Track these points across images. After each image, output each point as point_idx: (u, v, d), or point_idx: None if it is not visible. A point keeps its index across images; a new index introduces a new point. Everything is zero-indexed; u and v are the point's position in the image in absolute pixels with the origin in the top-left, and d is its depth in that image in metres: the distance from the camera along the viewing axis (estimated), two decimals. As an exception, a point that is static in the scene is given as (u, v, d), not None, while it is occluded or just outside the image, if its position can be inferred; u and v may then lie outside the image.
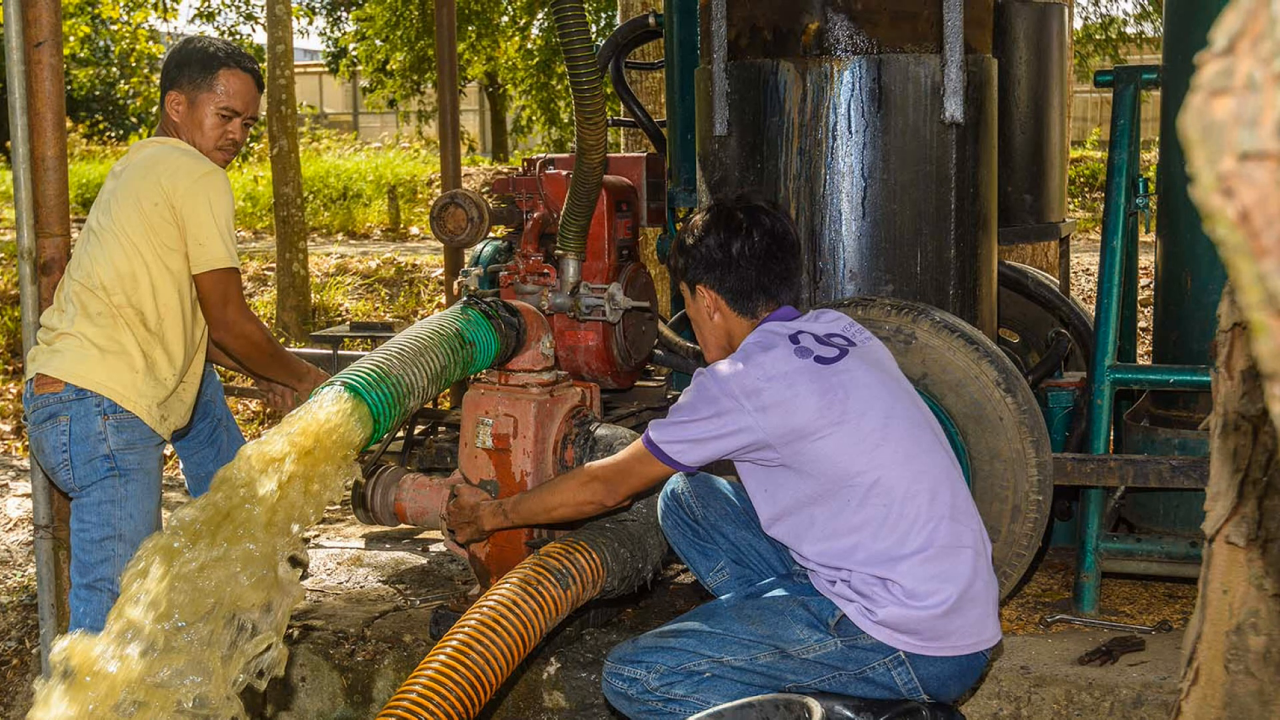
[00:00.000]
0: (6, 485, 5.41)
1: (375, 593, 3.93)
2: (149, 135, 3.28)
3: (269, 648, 2.23)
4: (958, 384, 3.17)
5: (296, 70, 10.96)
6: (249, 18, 17.65)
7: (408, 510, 3.44)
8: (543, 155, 4.17)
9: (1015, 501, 3.18)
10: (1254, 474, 1.57)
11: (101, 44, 21.06)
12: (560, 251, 3.62)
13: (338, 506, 4.55)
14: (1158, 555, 3.45)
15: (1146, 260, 4.99)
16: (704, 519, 2.90)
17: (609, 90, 4.94)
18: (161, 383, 3.10)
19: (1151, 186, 3.78)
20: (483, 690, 2.60)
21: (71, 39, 14.29)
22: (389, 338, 2.96)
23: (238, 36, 17.71)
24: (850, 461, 2.49)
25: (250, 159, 17.02)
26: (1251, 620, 1.61)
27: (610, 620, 3.52)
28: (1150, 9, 13.65)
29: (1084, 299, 8.32)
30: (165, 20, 14.18)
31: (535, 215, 3.76)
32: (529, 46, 16.94)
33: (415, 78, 16.91)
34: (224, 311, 3.08)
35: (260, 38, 17.71)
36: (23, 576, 4.36)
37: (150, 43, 17.21)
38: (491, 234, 3.88)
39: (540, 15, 16.20)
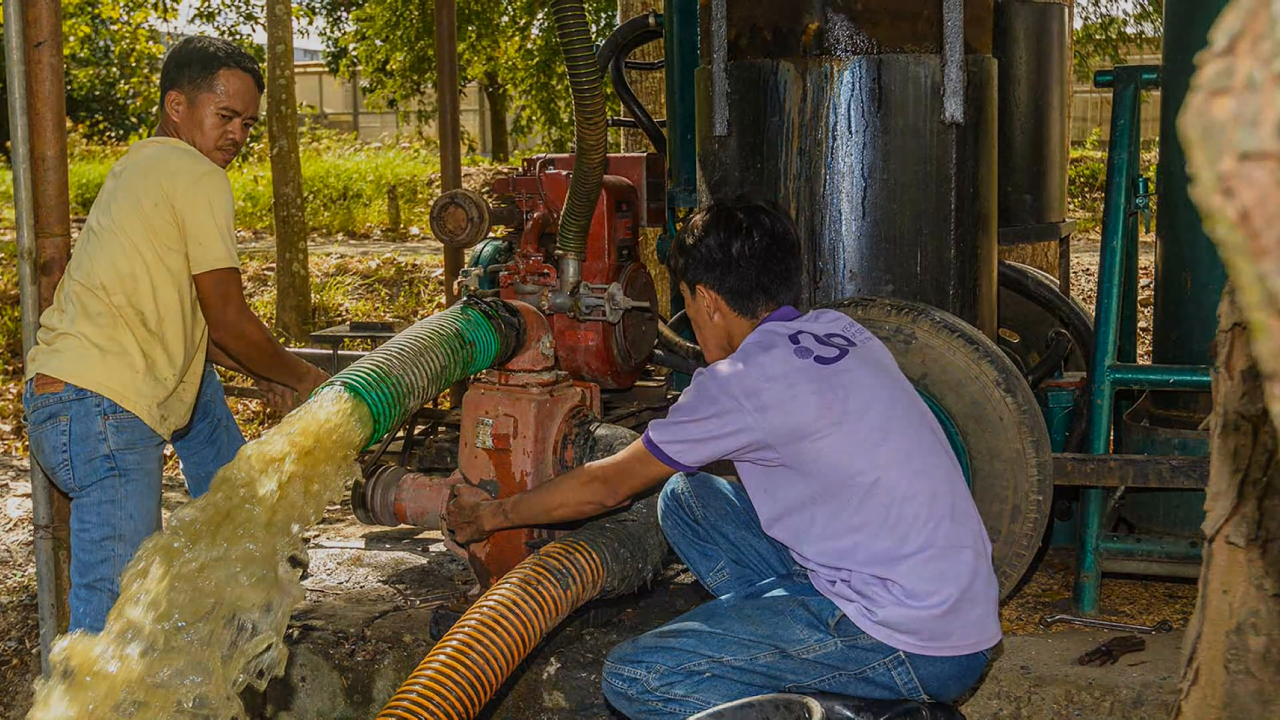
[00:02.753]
0: (6, 485, 5.41)
1: (375, 593, 3.93)
2: (149, 135, 3.28)
3: (269, 648, 2.23)
4: (958, 384, 3.17)
5: (296, 70, 10.96)
6: (249, 18, 17.66)
7: (408, 510, 3.44)
8: (543, 155, 4.17)
9: (1015, 501, 3.17)
10: (1254, 474, 1.57)
11: (101, 44, 21.05)
12: (560, 251, 3.61)
13: (338, 506, 4.54)
14: (1158, 555, 3.45)
15: (1146, 260, 4.99)
16: (704, 519, 2.90)
17: (609, 90, 4.94)
18: (161, 383, 3.10)
19: (1151, 186, 3.78)
20: (483, 690, 2.60)
21: (71, 39, 14.30)
22: (389, 338, 2.95)
23: (238, 36, 17.70)
24: (850, 461, 2.49)
25: (250, 159, 17.02)
26: (1251, 620, 1.61)
27: (610, 620, 3.52)
28: (1150, 9, 13.65)
29: (1084, 299, 8.31)
30: (165, 20, 14.20)
31: (535, 215, 3.76)
32: (529, 46, 16.93)
33: (415, 78, 16.90)
34: (224, 311, 3.08)
35: (260, 38, 17.71)
36: (23, 576, 4.36)
37: (150, 43, 17.22)
38: (491, 234, 3.88)
39: (540, 15, 16.20)
